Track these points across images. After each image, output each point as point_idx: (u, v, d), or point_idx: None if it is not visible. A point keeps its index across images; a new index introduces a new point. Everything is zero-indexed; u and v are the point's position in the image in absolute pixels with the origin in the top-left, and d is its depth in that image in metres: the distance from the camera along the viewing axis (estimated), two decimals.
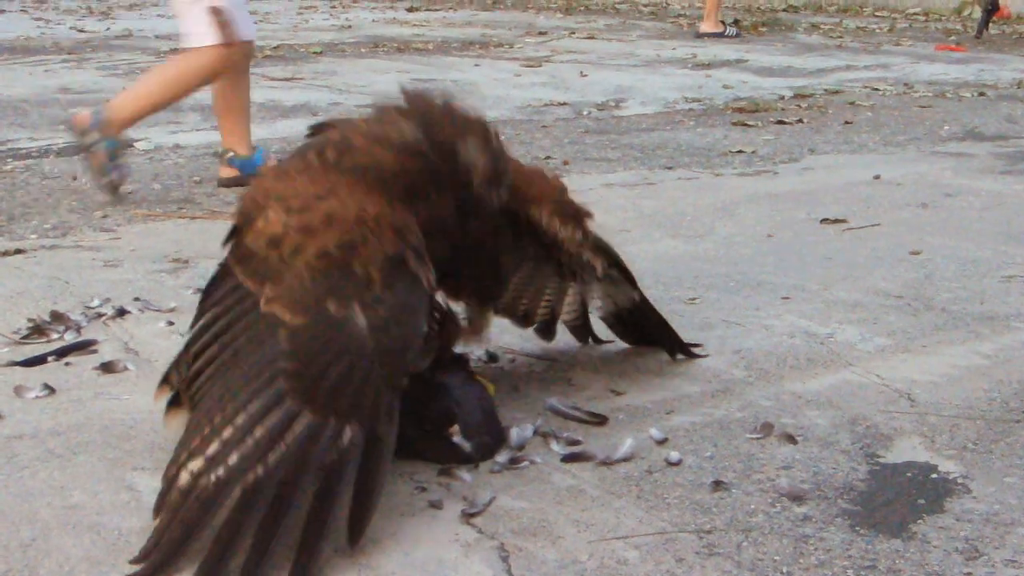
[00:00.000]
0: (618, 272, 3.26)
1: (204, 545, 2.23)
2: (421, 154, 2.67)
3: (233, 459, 2.28)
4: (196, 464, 2.30)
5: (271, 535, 2.22)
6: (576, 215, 3.10)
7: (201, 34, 5.45)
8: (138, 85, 5.89)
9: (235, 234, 2.69)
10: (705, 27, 13.35)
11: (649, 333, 3.41)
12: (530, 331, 3.39)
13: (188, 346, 2.65)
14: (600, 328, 3.47)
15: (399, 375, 2.41)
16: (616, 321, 3.42)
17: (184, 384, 2.60)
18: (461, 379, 2.77)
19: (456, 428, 2.67)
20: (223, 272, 2.70)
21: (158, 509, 2.32)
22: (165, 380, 2.77)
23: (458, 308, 3.03)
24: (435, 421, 2.66)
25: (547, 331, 3.39)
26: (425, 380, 2.68)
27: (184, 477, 2.30)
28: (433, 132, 2.71)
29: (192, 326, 2.70)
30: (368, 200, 2.54)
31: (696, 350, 3.41)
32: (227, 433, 2.31)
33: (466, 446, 2.68)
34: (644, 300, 3.36)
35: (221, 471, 2.28)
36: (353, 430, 2.32)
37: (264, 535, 2.22)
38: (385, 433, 2.37)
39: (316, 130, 2.93)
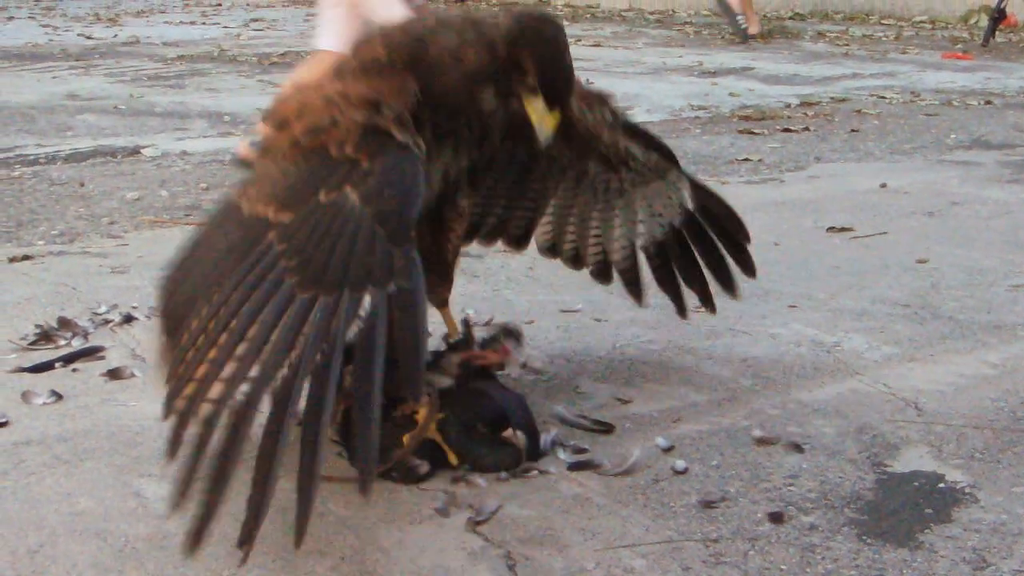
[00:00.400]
0: (659, 156, 3.21)
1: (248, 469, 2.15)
2: (401, 26, 2.69)
3: (255, 371, 2.18)
4: (216, 390, 2.19)
5: (317, 419, 2.15)
6: (600, 97, 3.06)
7: None
8: None
9: None
10: (753, 29, 13.55)
11: (691, 263, 3.36)
12: (534, 338, 3.39)
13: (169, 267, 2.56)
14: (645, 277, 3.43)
15: (403, 231, 2.32)
16: (658, 252, 3.34)
17: (158, 316, 2.51)
18: (496, 385, 2.79)
19: (511, 430, 2.67)
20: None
21: (174, 444, 2.20)
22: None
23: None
24: (490, 424, 2.66)
25: (603, 274, 3.36)
26: (467, 389, 2.69)
27: (207, 408, 2.18)
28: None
29: None
30: (349, 86, 2.50)
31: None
32: (242, 349, 2.21)
33: (523, 444, 2.69)
34: (698, 186, 3.31)
35: (245, 387, 2.18)
36: (372, 294, 2.25)
37: (311, 423, 2.15)
38: (408, 287, 2.28)
39: None
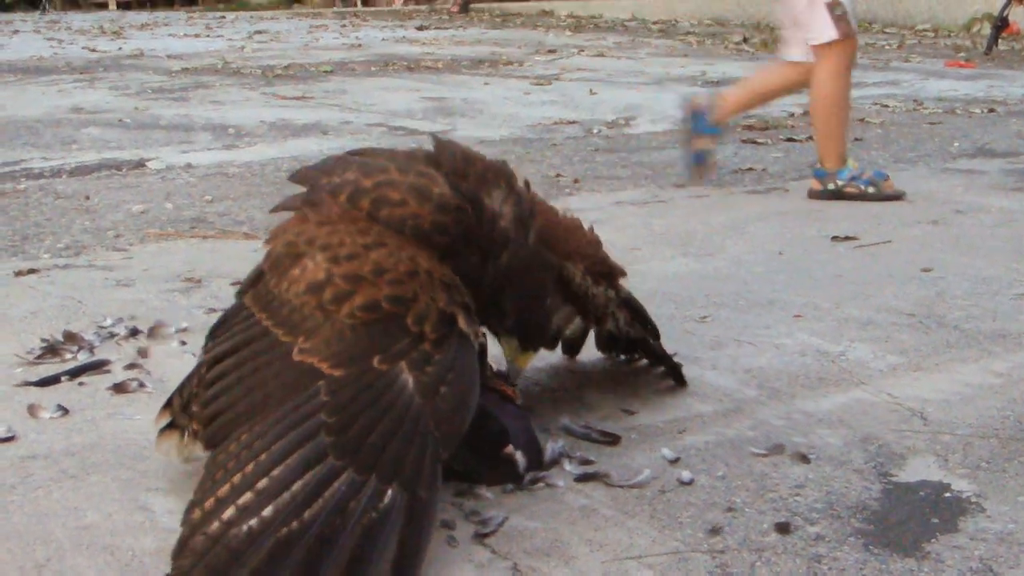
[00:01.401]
0: (640, 326, 3.30)
1: None
2: (459, 210, 2.64)
3: (268, 512, 2.22)
4: (228, 513, 2.23)
5: None
6: (610, 274, 3.13)
7: (821, 31, 5.67)
8: (754, 81, 6.32)
9: (260, 278, 2.69)
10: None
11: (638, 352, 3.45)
12: (539, 355, 3.39)
13: (199, 378, 2.61)
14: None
15: (451, 438, 2.37)
16: (610, 339, 3.42)
17: (197, 416, 2.56)
18: (496, 399, 2.79)
19: (511, 448, 2.68)
20: (239, 310, 2.68)
21: (179, 553, 2.24)
22: (168, 405, 2.74)
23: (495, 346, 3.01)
24: (490, 443, 2.66)
25: (552, 343, 3.35)
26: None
27: (215, 525, 2.22)
28: (460, 183, 2.70)
29: (205, 354, 2.68)
30: (418, 254, 2.51)
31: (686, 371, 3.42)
32: (262, 484, 2.25)
33: (522, 464, 2.69)
34: (658, 346, 3.37)
35: (254, 522, 2.21)
36: (395, 491, 2.27)
37: None
38: (429, 497, 2.31)
39: (327, 166, 2.88)
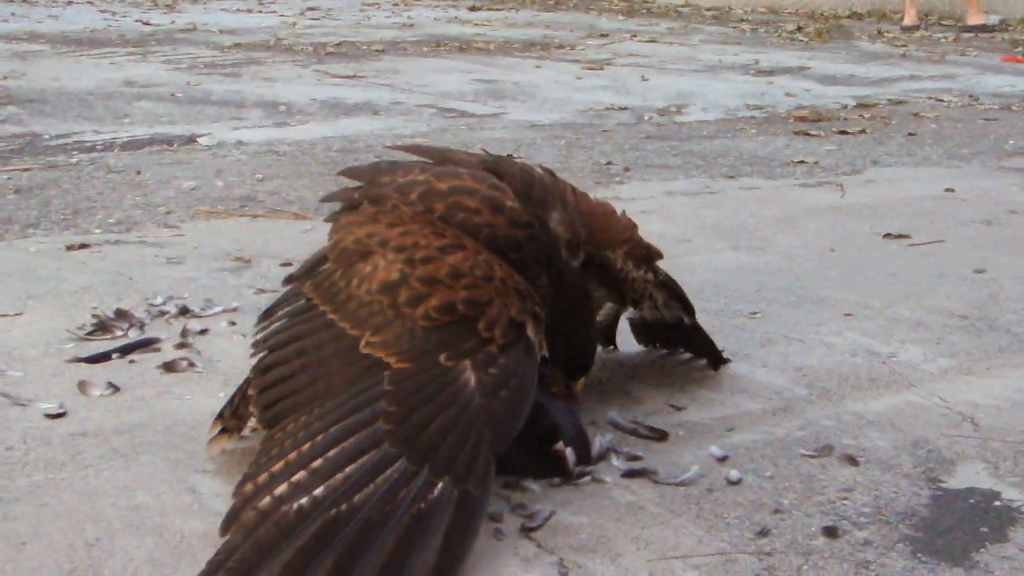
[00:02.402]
0: (677, 303, 3.29)
1: (273, 571, 2.19)
2: (529, 226, 2.69)
3: (319, 491, 2.26)
4: (281, 489, 2.28)
5: (346, 572, 2.19)
6: (648, 257, 3.14)
7: None
8: None
9: (319, 268, 2.71)
10: (972, 20, 13.88)
11: (674, 342, 3.45)
12: None
13: (254, 369, 2.64)
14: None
15: (503, 440, 2.41)
16: (642, 326, 3.44)
17: (254, 401, 2.58)
18: (546, 393, 2.79)
19: (561, 444, 2.68)
20: (297, 298, 2.71)
21: (228, 524, 2.29)
22: (219, 416, 2.77)
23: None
24: (541, 439, 2.66)
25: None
26: None
27: (266, 500, 2.27)
28: (527, 202, 2.74)
29: (259, 337, 2.71)
30: (494, 260, 2.55)
31: (731, 361, 3.42)
32: (316, 464, 2.30)
33: (572, 460, 2.69)
34: (695, 326, 3.36)
35: (305, 501, 2.25)
36: (446, 484, 2.30)
37: (338, 570, 2.18)
38: (479, 493, 2.34)
39: (382, 167, 2.91)
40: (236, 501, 2.33)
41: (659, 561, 2.38)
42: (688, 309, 3.31)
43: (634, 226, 3.16)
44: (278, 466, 2.33)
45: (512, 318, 2.48)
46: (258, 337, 2.72)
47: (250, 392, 2.61)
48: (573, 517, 2.54)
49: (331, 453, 2.32)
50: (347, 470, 2.29)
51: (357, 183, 2.89)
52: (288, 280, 2.87)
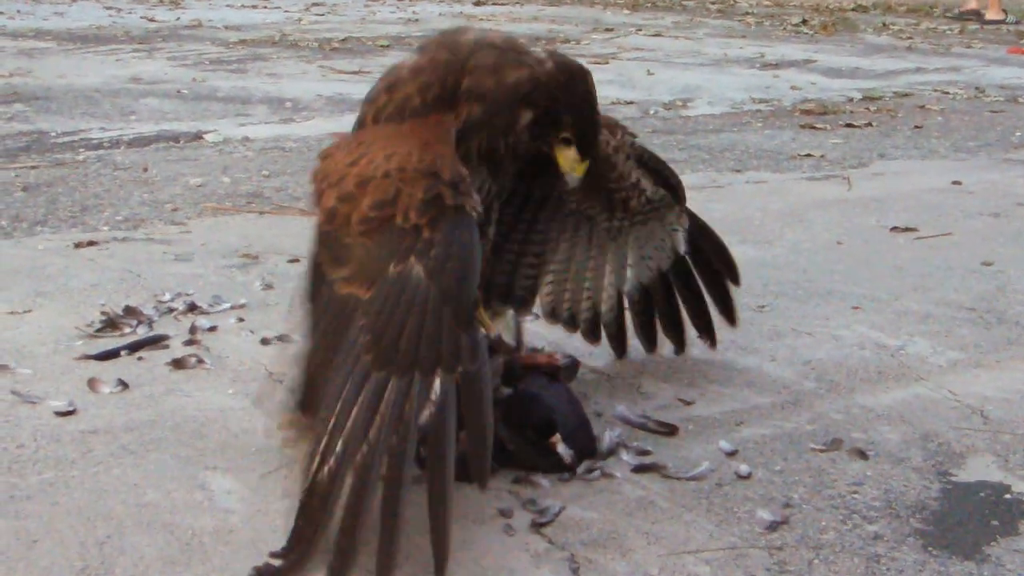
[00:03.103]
0: (666, 193, 3.23)
1: (330, 535, 2.23)
2: (429, 62, 2.69)
3: (339, 447, 2.27)
4: (314, 464, 2.30)
5: (394, 508, 2.21)
6: (611, 124, 3.09)
7: None
8: None
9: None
10: (991, 14, 13.98)
11: (675, 306, 3.38)
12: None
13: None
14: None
15: (464, 309, 2.38)
16: (641, 297, 3.35)
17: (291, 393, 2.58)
18: (545, 384, 2.78)
19: (557, 437, 2.68)
20: (312, 271, 2.67)
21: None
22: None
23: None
24: (537, 431, 2.66)
25: (593, 332, 3.36)
26: (517, 392, 2.72)
27: (308, 481, 2.29)
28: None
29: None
30: (395, 149, 2.52)
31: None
32: (331, 423, 2.31)
33: (568, 455, 2.69)
34: (697, 223, 3.32)
35: (332, 462, 2.27)
36: (442, 378, 2.31)
37: (388, 509, 2.21)
38: (474, 370, 2.34)
39: None
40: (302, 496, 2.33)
41: (670, 556, 2.38)
42: (676, 193, 3.24)
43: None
44: (311, 446, 2.34)
45: (422, 199, 2.44)
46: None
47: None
48: (583, 512, 2.54)
49: (338, 407, 2.32)
50: (352, 414, 2.30)
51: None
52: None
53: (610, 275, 3.31)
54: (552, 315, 3.31)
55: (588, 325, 3.34)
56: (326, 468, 2.27)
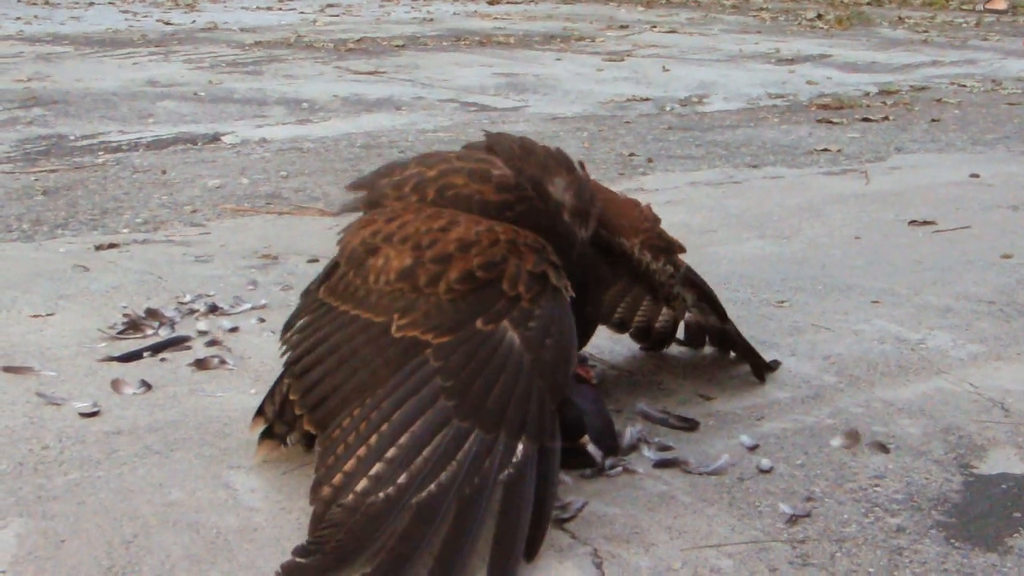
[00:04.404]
0: (707, 305, 3.30)
1: (375, 554, 2.25)
2: (519, 188, 2.70)
3: (402, 479, 2.30)
4: (362, 485, 2.31)
5: (459, 547, 2.25)
6: (668, 249, 3.14)
7: None
8: None
9: (332, 274, 2.71)
10: (996, 4, 14.06)
11: (731, 347, 3.43)
12: (616, 338, 3.41)
13: (290, 375, 2.64)
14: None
15: (559, 388, 2.44)
16: (700, 331, 3.46)
17: (299, 411, 2.58)
18: (573, 384, 2.79)
19: (587, 438, 2.69)
20: (314, 306, 2.70)
21: (315, 525, 2.32)
22: (260, 412, 2.77)
23: None
24: (567, 431, 2.67)
25: (642, 335, 3.45)
26: None
27: (350, 498, 2.31)
28: (521, 169, 2.75)
29: (286, 348, 2.70)
30: (495, 225, 2.56)
31: (774, 361, 3.40)
32: (391, 454, 2.33)
33: (598, 455, 2.70)
34: (734, 330, 3.36)
35: (391, 490, 2.30)
36: (525, 445, 2.36)
37: (450, 548, 2.25)
38: (553, 445, 2.41)
39: (381, 170, 2.93)
40: (317, 506, 2.35)
41: (692, 550, 2.39)
42: (719, 313, 3.32)
43: (657, 219, 3.16)
44: (350, 464, 2.36)
45: (531, 271, 2.49)
46: (285, 347, 2.72)
47: (292, 397, 2.60)
48: (606, 508, 2.55)
49: (403, 440, 2.35)
50: (424, 452, 2.33)
51: (361, 193, 2.91)
52: (304, 294, 2.88)
53: (668, 313, 3.41)
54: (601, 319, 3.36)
55: (639, 331, 3.45)
56: (382, 493, 2.30)
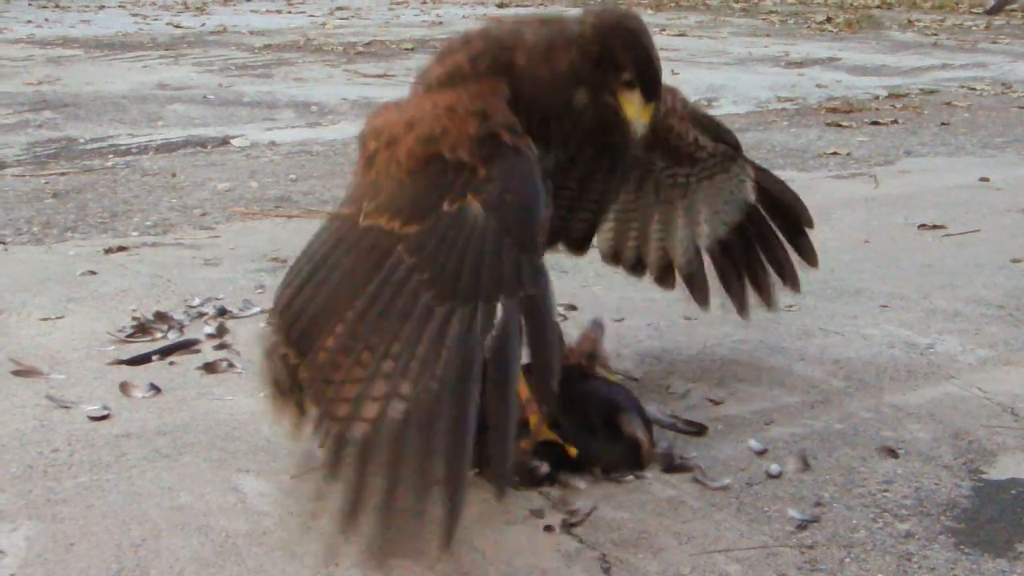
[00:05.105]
0: (725, 147, 3.23)
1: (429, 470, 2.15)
2: (479, 31, 2.70)
3: (405, 389, 2.20)
4: (369, 410, 2.20)
5: (462, 433, 2.15)
6: (669, 87, 3.06)
7: None
8: None
9: None
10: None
11: (753, 261, 3.33)
12: (624, 336, 3.40)
13: (279, 294, 2.53)
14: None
15: (528, 237, 2.35)
16: (722, 251, 3.32)
17: (276, 325, 2.49)
18: (598, 382, 2.80)
19: (626, 417, 2.68)
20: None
21: (331, 468, 2.19)
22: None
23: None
24: (603, 415, 2.66)
25: (665, 280, 3.36)
26: (571, 394, 2.71)
27: (361, 427, 2.19)
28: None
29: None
30: (455, 102, 2.51)
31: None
32: (387, 368, 2.23)
33: (641, 429, 2.69)
34: (763, 173, 3.31)
35: (399, 405, 2.19)
36: (505, 304, 2.27)
37: (455, 437, 2.15)
38: (537, 292, 2.31)
39: None
40: (331, 443, 2.21)
41: (701, 555, 2.39)
42: (735, 145, 3.25)
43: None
44: (352, 389, 2.24)
45: (473, 135, 2.43)
46: None
47: (273, 324, 2.52)
48: (614, 513, 2.55)
49: (395, 349, 2.24)
50: (418, 354, 2.23)
51: None
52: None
53: (683, 228, 3.30)
54: (613, 257, 3.34)
55: (659, 272, 3.35)
56: (392, 414, 2.18)
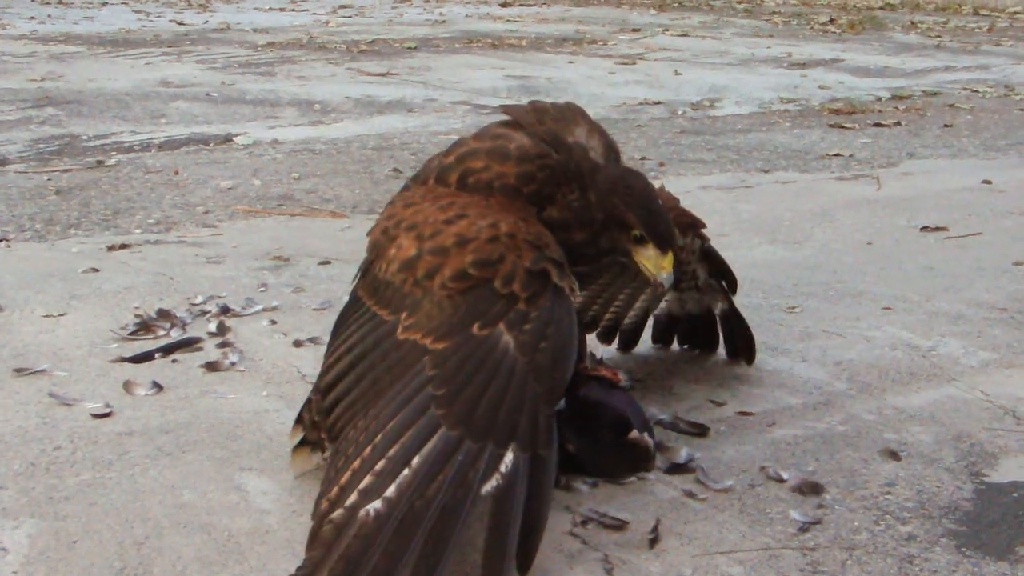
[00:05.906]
0: (717, 283, 3.32)
1: None
2: (540, 156, 2.66)
3: (391, 492, 2.22)
4: (352, 499, 2.23)
5: (435, 562, 2.16)
6: (693, 224, 3.16)
7: None
8: None
9: (368, 267, 2.69)
10: None
11: (699, 338, 3.50)
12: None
13: (321, 377, 2.60)
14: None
15: (555, 392, 2.35)
16: (668, 323, 3.51)
17: (317, 416, 2.56)
18: (603, 388, 2.79)
19: (636, 433, 2.68)
20: (353, 304, 2.68)
21: (311, 544, 2.23)
22: (298, 420, 2.71)
23: None
24: (613, 429, 2.66)
25: (608, 336, 3.47)
26: (577, 399, 2.72)
27: (339, 512, 2.23)
28: (538, 129, 2.72)
29: (325, 357, 2.64)
30: (499, 217, 2.52)
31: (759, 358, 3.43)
32: (380, 466, 2.26)
33: (650, 443, 2.70)
34: (732, 310, 3.40)
35: (379, 504, 2.21)
36: (515, 453, 2.26)
37: (425, 563, 2.15)
38: (547, 455, 2.30)
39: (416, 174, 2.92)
40: (314, 522, 2.27)
41: (703, 556, 2.39)
42: (731, 284, 3.34)
43: (676, 200, 3.17)
44: (345, 477, 2.29)
45: (528, 269, 2.42)
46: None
47: (312, 398, 2.58)
48: (617, 513, 2.55)
49: (392, 452, 2.27)
50: (413, 464, 2.25)
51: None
52: (352, 292, 2.84)
53: (642, 302, 3.41)
54: None
55: (605, 331, 3.47)
56: (370, 509, 2.21)
